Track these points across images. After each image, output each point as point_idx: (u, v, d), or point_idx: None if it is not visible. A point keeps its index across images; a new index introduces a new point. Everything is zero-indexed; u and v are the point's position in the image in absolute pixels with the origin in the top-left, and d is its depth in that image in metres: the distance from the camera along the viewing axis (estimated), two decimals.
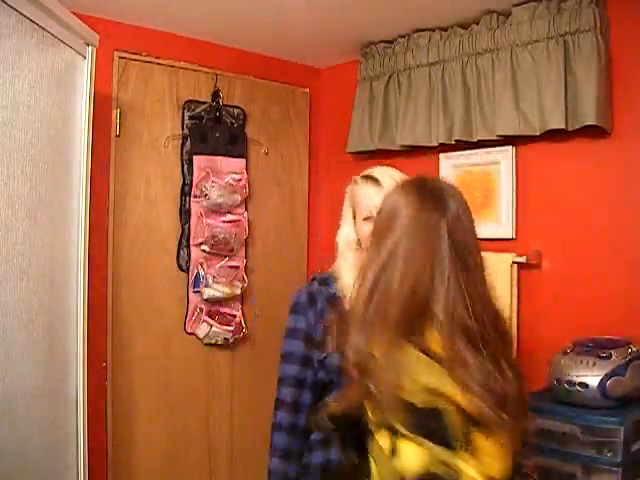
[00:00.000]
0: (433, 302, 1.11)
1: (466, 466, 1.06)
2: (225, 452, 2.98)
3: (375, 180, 1.60)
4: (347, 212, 1.67)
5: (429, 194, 1.18)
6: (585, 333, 2.15)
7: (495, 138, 2.52)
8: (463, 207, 1.20)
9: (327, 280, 1.66)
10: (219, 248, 2.91)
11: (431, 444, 1.06)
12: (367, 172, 1.66)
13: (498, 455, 1.10)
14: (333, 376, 1.54)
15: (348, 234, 1.64)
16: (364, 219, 1.58)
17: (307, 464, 1.63)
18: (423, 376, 1.08)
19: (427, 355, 1.09)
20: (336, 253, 1.69)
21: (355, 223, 1.63)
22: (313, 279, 1.72)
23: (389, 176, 1.60)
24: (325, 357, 1.55)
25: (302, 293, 1.67)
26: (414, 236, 1.14)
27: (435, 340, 1.10)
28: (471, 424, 1.06)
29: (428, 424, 1.06)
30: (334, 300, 1.59)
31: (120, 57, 2.72)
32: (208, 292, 2.85)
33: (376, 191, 1.56)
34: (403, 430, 1.07)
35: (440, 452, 1.06)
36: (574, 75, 2.29)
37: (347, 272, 1.60)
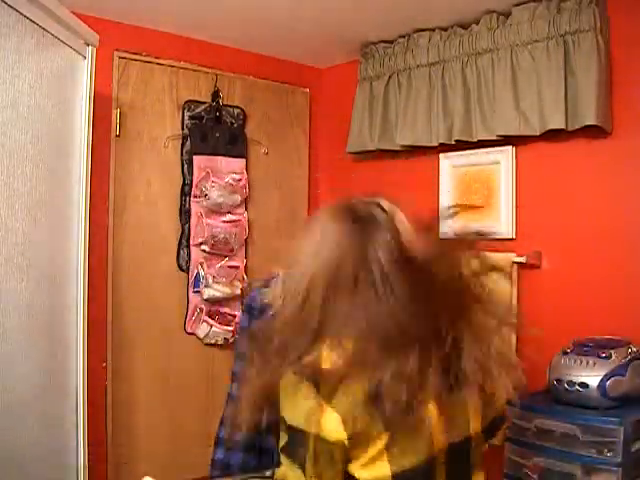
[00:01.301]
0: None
1: None
2: None
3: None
4: None
5: (358, 222, 1.15)
6: (585, 333, 2.15)
7: (495, 138, 2.52)
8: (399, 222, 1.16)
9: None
10: (219, 248, 2.91)
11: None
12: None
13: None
14: None
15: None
16: None
17: None
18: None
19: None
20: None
21: None
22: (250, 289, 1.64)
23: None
24: None
25: (244, 317, 1.66)
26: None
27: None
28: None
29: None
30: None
31: (120, 57, 2.72)
32: (208, 292, 2.85)
33: None
34: None
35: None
36: (574, 75, 2.29)
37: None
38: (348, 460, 1.06)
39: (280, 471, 1.10)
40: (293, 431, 1.06)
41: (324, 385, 1.04)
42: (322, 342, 1.10)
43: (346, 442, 1.04)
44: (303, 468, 1.05)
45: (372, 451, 1.05)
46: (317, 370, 1.06)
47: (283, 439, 1.09)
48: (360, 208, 1.18)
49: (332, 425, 1.03)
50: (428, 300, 1.10)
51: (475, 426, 1.17)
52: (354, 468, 1.07)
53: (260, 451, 1.57)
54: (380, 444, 1.04)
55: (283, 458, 1.09)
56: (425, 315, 1.09)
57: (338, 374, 1.04)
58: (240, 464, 1.58)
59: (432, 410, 1.07)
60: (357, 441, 1.04)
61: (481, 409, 1.18)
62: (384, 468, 1.05)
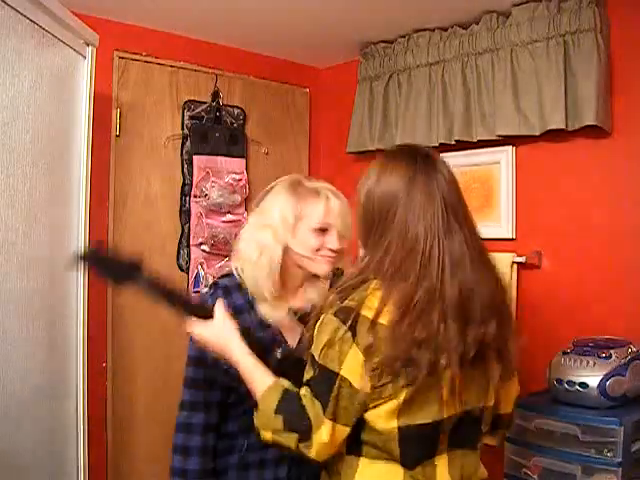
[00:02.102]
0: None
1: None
2: None
3: (335, 193, 1.53)
4: (286, 213, 1.50)
5: (419, 154, 1.21)
6: (585, 333, 2.15)
7: (495, 138, 2.52)
8: (451, 173, 1.24)
9: (231, 288, 1.54)
10: (219, 248, 2.91)
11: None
12: (314, 182, 1.56)
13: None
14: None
15: (274, 248, 1.50)
16: (317, 230, 1.49)
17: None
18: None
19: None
20: (239, 253, 1.57)
21: (294, 231, 1.50)
22: (216, 288, 1.57)
23: (337, 190, 1.56)
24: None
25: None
26: (414, 213, 1.16)
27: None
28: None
29: None
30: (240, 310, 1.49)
31: (120, 57, 2.72)
32: None
33: (339, 204, 1.51)
34: None
35: None
36: (574, 75, 2.29)
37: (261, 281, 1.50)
38: (366, 408, 1.13)
39: (301, 392, 1.17)
40: (322, 369, 1.14)
41: (360, 335, 1.11)
42: (371, 282, 1.16)
43: (369, 391, 1.11)
44: (323, 405, 1.13)
45: (390, 405, 1.12)
46: (357, 317, 1.12)
47: (309, 373, 1.18)
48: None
49: (360, 373, 1.11)
50: (480, 282, 1.16)
51: (490, 399, 1.24)
52: (368, 415, 1.14)
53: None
54: (397, 401, 1.11)
55: (306, 390, 1.16)
56: (476, 291, 1.15)
57: (376, 328, 1.10)
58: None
59: (450, 376, 1.12)
60: (379, 393, 1.11)
61: (497, 388, 1.25)
62: (393, 421, 1.13)
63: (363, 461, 1.18)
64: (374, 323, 1.10)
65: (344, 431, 1.14)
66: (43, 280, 1.89)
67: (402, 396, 1.11)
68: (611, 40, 2.28)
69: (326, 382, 1.13)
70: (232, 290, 1.54)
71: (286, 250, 1.51)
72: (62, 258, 2.06)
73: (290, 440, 1.15)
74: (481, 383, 1.20)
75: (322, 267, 1.51)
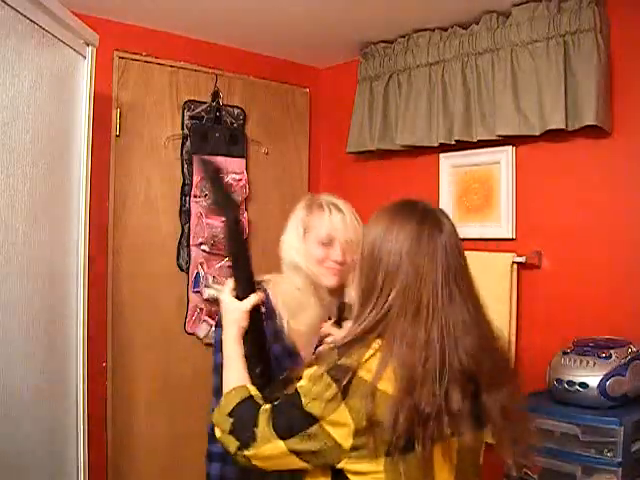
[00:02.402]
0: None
1: None
2: None
3: (338, 208, 1.59)
4: (296, 228, 1.61)
5: (427, 217, 1.17)
6: (585, 333, 2.15)
7: (495, 138, 2.52)
8: (454, 227, 1.20)
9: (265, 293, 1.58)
10: (219, 248, 2.91)
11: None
12: (323, 198, 1.63)
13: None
14: None
15: (299, 246, 1.59)
16: (321, 244, 1.56)
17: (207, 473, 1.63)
18: None
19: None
20: (283, 265, 1.63)
21: (304, 239, 1.59)
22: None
23: (347, 206, 1.62)
24: None
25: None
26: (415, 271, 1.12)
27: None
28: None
29: None
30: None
31: (120, 57, 2.72)
32: (208, 292, 2.85)
33: (341, 218, 1.57)
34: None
35: None
36: (574, 75, 2.29)
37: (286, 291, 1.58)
38: (338, 461, 1.09)
39: (264, 407, 1.16)
40: (300, 411, 1.09)
41: (353, 398, 1.06)
42: (371, 344, 1.11)
43: (347, 447, 1.07)
44: (280, 432, 1.10)
45: (370, 467, 1.07)
46: (352, 379, 1.07)
47: (282, 398, 1.15)
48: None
49: (342, 432, 1.06)
50: (482, 348, 1.13)
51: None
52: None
53: None
54: (377, 464, 1.07)
55: (270, 408, 1.14)
56: (476, 360, 1.11)
57: (376, 394, 1.05)
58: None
59: (439, 453, 1.08)
60: (356, 454, 1.07)
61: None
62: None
63: None
64: (374, 388, 1.05)
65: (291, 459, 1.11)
66: (43, 280, 1.89)
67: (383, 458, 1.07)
68: (611, 40, 2.28)
69: (300, 420, 1.09)
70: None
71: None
72: (62, 258, 2.07)
73: (231, 444, 1.16)
74: (478, 447, 1.18)
75: (328, 278, 1.57)
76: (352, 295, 1.41)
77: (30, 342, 1.81)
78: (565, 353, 2.04)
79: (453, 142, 2.65)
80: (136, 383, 2.75)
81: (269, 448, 1.11)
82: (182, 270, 2.88)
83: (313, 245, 1.57)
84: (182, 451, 2.86)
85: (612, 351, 1.96)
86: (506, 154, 2.58)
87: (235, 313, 1.33)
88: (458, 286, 1.13)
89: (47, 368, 1.92)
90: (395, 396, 1.04)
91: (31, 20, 1.75)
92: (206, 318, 2.87)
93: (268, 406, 1.16)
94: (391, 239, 1.15)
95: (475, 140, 2.59)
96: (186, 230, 2.88)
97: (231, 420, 1.18)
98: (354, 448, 1.06)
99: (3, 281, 1.66)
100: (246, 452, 1.14)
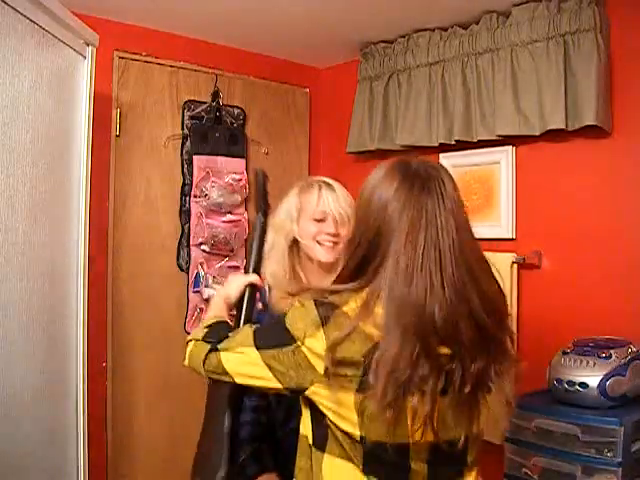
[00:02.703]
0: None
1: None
2: None
3: (328, 185, 1.67)
4: (289, 209, 1.68)
5: (416, 179, 1.17)
6: (585, 333, 2.15)
7: (495, 138, 2.52)
8: (450, 188, 1.19)
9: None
10: (219, 248, 2.91)
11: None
12: (315, 178, 1.72)
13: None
14: None
15: (289, 229, 1.66)
16: (315, 220, 1.63)
17: None
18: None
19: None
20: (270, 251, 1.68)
21: (298, 222, 1.66)
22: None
23: (337, 183, 1.69)
24: None
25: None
26: (406, 230, 1.11)
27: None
28: None
29: None
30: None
31: (120, 57, 2.72)
32: (208, 292, 2.85)
33: (333, 194, 1.65)
34: None
35: None
36: (574, 75, 2.29)
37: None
38: (307, 386, 1.10)
39: (236, 335, 1.20)
40: (283, 328, 1.12)
41: (331, 324, 1.08)
42: (358, 292, 1.12)
43: (320, 371, 1.08)
44: (258, 343, 1.14)
45: (342, 399, 1.08)
46: (334, 309, 1.10)
47: (256, 326, 1.20)
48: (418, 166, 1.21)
49: (317, 349, 1.08)
50: (473, 303, 1.11)
51: (475, 428, 1.17)
52: (329, 412, 1.10)
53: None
54: (348, 399, 1.07)
55: (246, 332, 1.18)
56: (467, 316, 1.09)
57: (350, 326, 1.07)
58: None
59: (417, 402, 1.06)
60: (329, 381, 1.08)
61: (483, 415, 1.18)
62: (354, 428, 1.08)
63: (327, 457, 1.14)
64: (355, 325, 1.06)
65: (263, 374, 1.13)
66: (43, 280, 1.89)
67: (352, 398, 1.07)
68: (611, 40, 2.28)
69: (280, 337, 1.12)
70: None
71: (296, 242, 1.66)
72: (62, 258, 2.07)
73: (203, 347, 1.21)
74: (465, 412, 1.13)
75: (323, 253, 1.63)
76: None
77: (30, 342, 1.81)
78: (565, 353, 2.04)
79: (453, 142, 2.65)
80: (136, 383, 2.75)
81: (245, 350, 1.14)
82: (182, 270, 2.88)
83: (307, 223, 1.64)
84: (182, 451, 2.85)
85: (612, 351, 1.96)
86: (506, 154, 2.58)
87: (234, 282, 1.43)
88: (449, 247, 1.11)
89: (47, 368, 1.92)
90: (379, 343, 1.05)
91: (31, 20, 1.75)
92: None
93: (251, 325, 1.22)
94: (379, 197, 1.16)
95: (475, 140, 2.59)
96: (186, 230, 2.88)
97: (205, 331, 1.24)
98: (328, 374, 1.07)
99: (3, 281, 1.66)
100: (219, 346, 1.18)
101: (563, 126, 2.28)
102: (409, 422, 1.07)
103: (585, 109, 2.24)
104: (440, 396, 1.07)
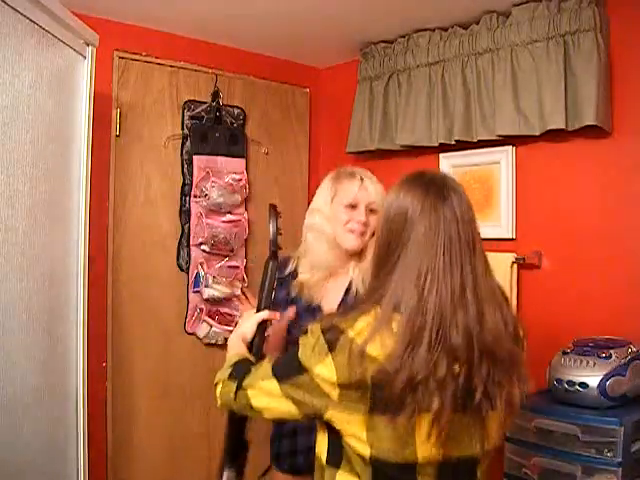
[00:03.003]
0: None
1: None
2: None
3: (361, 177, 1.79)
4: (325, 194, 1.81)
5: (432, 187, 1.19)
6: (585, 333, 2.15)
7: (495, 138, 2.52)
8: (465, 198, 1.21)
9: (284, 262, 1.82)
10: (219, 248, 2.91)
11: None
12: (350, 169, 1.83)
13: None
14: None
15: (324, 209, 1.80)
16: (347, 206, 1.74)
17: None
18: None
19: None
20: (305, 233, 1.84)
21: (332, 204, 1.78)
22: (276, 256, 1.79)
23: (371, 175, 1.82)
24: None
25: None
26: (425, 238, 1.14)
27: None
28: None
29: None
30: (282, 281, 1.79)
31: (120, 57, 2.72)
32: (208, 292, 2.85)
33: (364, 184, 1.76)
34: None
35: None
36: (574, 75, 2.29)
37: (316, 251, 1.78)
38: (323, 413, 1.14)
39: (256, 369, 1.26)
40: (294, 358, 1.17)
41: (338, 351, 1.10)
42: (370, 311, 1.14)
43: (334, 397, 1.11)
44: (279, 376, 1.19)
45: (354, 420, 1.11)
46: (339, 335, 1.12)
47: (275, 358, 1.25)
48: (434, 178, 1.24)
49: (328, 381, 1.11)
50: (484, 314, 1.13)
51: (487, 445, 1.19)
52: (347, 434, 1.13)
53: None
54: (360, 420, 1.10)
55: (266, 365, 1.24)
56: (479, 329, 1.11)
57: (357, 351, 1.09)
58: None
59: (426, 421, 1.08)
60: (342, 406, 1.11)
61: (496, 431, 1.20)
62: (364, 447, 1.11)
63: (339, 475, 1.17)
64: (362, 350, 1.08)
65: (286, 406, 1.18)
66: (43, 280, 1.89)
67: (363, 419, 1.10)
68: (611, 40, 2.28)
69: (293, 368, 1.16)
70: (283, 266, 1.81)
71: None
72: (62, 258, 2.07)
73: (229, 386, 1.27)
74: (476, 428, 1.15)
75: (350, 240, 1.73)
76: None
77: (30, 342, 1.81)
78: (565, 353, 2.04)
79: (453, 142, 2.65)
80: (136, 383, 2.75)
81: (266, 385, 1.20)
82: (182, 270, 2.88)
83: (339, 209, 1.75)
84: (182, 451, 2.86)
85: (612, 351, 1.96)
86: (506, 154, 2.58)
87: (248, 321, 1.49)
88: (461, 257, 1.13)
89: (47, 368, 1.92)
90: (390, 360, 1.06)
91: (31, 20, 1.75)
92: (206, 318, 2.87)
93: (270, 359, 1.26)
94: (397, 205, 1.19)
95: (475, 140, 2.59)
96: (186, 230, 2.88)
97: (230, 369, 1.31)
98: (340, 400, 1.11)
99: (3, 281, 1.66)
100: (243, 383, 1.24)
101: (563, 126, 2.28)
102: (417, 440, 1.09)
103: (585, 109, 2.24)
104: (452, 412, 1.08)
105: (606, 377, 1.91)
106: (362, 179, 1.77)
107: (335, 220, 1.75)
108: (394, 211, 1.19)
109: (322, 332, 1.13)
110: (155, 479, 2.79)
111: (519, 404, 1.17)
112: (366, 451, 1.11)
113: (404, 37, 2.85)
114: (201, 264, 2.88)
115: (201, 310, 2.89)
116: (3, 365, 1.65)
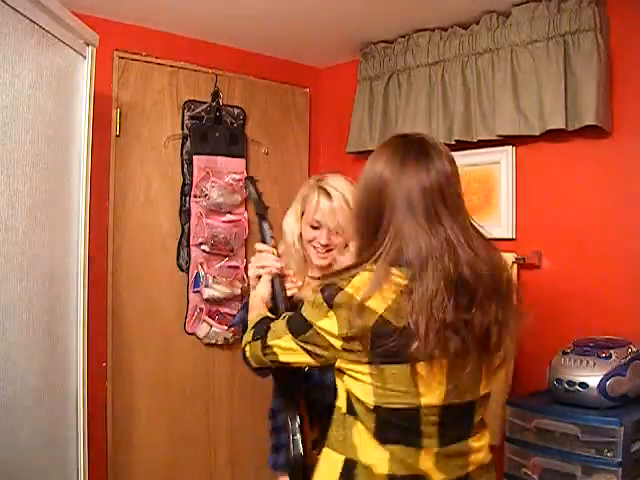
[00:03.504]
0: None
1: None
2: (225, 451, 2.98)
3: (327, 194, 1.71)
4: (296, 207, 1.81)
5: (407, 146, 1.24)
6: (585, 333, 2.15)
7: (495, 138, 2.52)
8: (445, 154, 1.25)
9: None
10: (219, 248, 2.91)
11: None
12: (321, 181, 1.75)
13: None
14: None
15: (294, 227, 1.79)
16: (311, 226, 1.73)
17: None
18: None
19: None
20: (282, 239, 1.83)
21: (301, 221, 1.77)
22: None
23: (341, 189, 1.71)
24: None
25: None
26: (404, 208, 1.19)
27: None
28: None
29: None
30: None
31: (120, 57, 2.72)
32: (208, 292, 2.85)
33: (328, 205, 1.69)
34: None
35: None
36: (574, 75, 2.29)
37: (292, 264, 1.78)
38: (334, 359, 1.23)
39: (275, 325, 1.35)
40: (301, 317, 1.26)
41: (337, 306, 1.18)
42: (365, 268, 1.19)
43: (339, 347, 1.20)
44: (291, 329, 1.29)
45: (359, 368, 1.19)
46: (337, 291, 1.18)
47: (288, 316, 1.34)
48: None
49: (331, 334, 1.20)
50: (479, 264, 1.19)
51: (484, 388, 1.25)
52: (348, 379, 1.22)
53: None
54: (364, 368, 1.17)
55: (282, 322, 1.33)
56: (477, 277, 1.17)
57: (356, 305, 1.15)
58: None
59: (425, 367, 1.14)
60: (347, 355, 1.19)
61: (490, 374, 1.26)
62: (369, 394, 1.18)
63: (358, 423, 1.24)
64: (361, 304, 1.14)
65: (301, 354, 1.27)
66: (43, 280, 1.89)
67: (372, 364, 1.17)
68: (611, 40, 2.28)
69: (301, 324, 1.26)
70: None
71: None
72: (62, 258, 2.07)
73: (256, 346, 1.36)
74: (474, 372, 1.20)
75: (315, 258, 1.74)
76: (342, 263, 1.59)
77: (30, 342, 1.81)
78: (565, 353, 2.04)
79: (453, 142, 2.65)
80: (136, 383, 2.75)
81: (285, 340, 1.29)
82: (182, 270, 2.88)
83: (306, 227, 1.75)
84: (182, 451, 2.86)
85: (612, 351, 1.96)
86: (506, 154, 2.58)
87: (262, 283, 1.61)
88: (447, 208, 1.19)
89: (47, 368, 1.92)
90: (393, 310, 1.13)
91: (31, 20, 1.75)
92: (206, 318, 2.87)
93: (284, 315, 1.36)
94: (375, 166, 1.25)
95: (475, 140, 2.59)
96: (186, 230, 2.88)
97: (252, 331, 1.41)
98: (344, 349, 1.19)
99: (3, 281, 1.66)
100: (267, 342, 1.33)
101: (563, 126, 2.28)
102: (421, 387, 1.15)
103: (585, 109, 2.24)
104: (460, 357, 1.15)
105: (606, 377, 1.91)
106: (326, 199, 1.69)
107: (304, 235, 1.76)
108: (370, 177, 1.24)
109: (321, 291, 1.21)
110: (155, 479, 2.79)
111: (513, 345, 1.24)
112: (370, 399, 1.18)
113: (404, 37, 2.85)
114: (201, 264, 2.88)
115: (201, 310, 2.89)
116: (3, 365, 1.65)
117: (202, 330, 2.87)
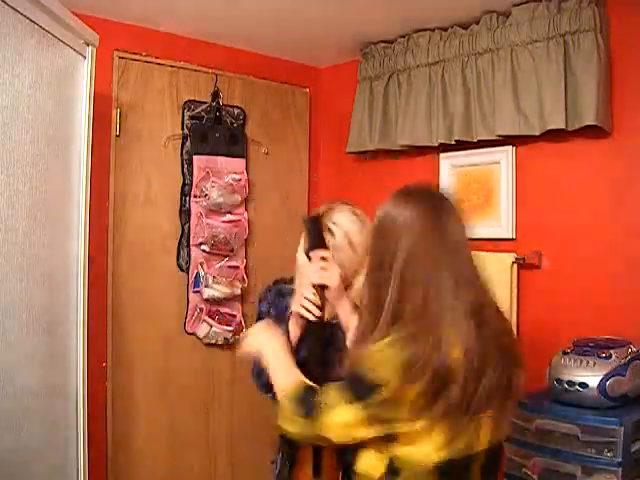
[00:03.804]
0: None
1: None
2: (225, 451, 2.98)
3: (329, 229, 1.60)
4: (302, 246, 1.66)
5: (424, 196, 1.25)
6: (585, 333, 2.15)
7: (495, 138, 2.52)
8: (456, 209, 1.26)
9: (285, 291, 1.71)
10: (219, 248, 2.91)
11: None
12: (325, 216, 1.62)
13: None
14: None
15: (305, 259, 1.63)
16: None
17: None
18: None
19: None
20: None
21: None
22: (269, 289, 1.77)
23: (344, 225, 1.60)
24: None
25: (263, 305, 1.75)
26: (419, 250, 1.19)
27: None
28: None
29: None
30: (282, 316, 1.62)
31: (120, 57, 2.72)
32: (208, 292, 2.85)
33: (330, 242, 1.58)
34: None
35: None
36: (574, 75, 2.29)
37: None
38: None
39: (330, 396, 1.19)
40: (365, 380, 1.15)
41: (406, 367, 1.13)
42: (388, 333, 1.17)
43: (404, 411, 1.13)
44: (352, 397, 1.15)
45: (419, 425, 1.14)
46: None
47: (339, 384, 1.20)
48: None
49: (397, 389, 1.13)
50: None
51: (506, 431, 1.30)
52: (401, 445, 1.17)
53: None
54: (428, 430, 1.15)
55: (337, 390, 1.19)
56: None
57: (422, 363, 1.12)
58: None
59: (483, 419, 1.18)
60: (412, 417, 1.13)
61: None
62: (431, 455, 1.15)
63: None
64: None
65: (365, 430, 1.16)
66: (43, 280, 1.89)
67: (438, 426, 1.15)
68: (611, 40, 2.28)
69: (363, 385, 1.15)
70: (285, 294, 1.70)
71: None
72: (62, 258, 2.07)
73: (296, 421, 1.21)
74: (500, 417, 1.24)
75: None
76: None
77: (30, 342, 1.81)
78: (565, 353, 2.04)
79: (453, 142, 2.65)
80: (136, 383, 2.75)
81: (339, 413, 1.16)
82: (182, 270, 2.88)
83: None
84: (182, 451, 2.86)
85: (612, 351, 1.96)
86: (506, 154, 2.58)
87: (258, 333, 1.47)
88: (460, 264, 1.21)
89: (47, 368, 1.92)
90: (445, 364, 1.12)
91: (31, 20, 1.75)
92: (206, 318, 2.87)
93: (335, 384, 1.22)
94: (398, 213, 1.22)
95: (475, 140, 2.59)
96: (186, 230, 2.88)
97: (293, 404, 1.22)
98: (409, 412, 1.13)
99: (3, 281, 1.66)
100: (314, 415, 1.18)
101: (563, 126, 2.28)
102: (480, 433, 1.18)
103: (585, 109, 2.24)
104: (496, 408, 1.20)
105: (606, 377, 1.91)
106: (333, 234, 1.58)
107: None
108: (387, 221, 1.23)
109: (395, 350, 1.14)
110: (155, 479, 2.79)
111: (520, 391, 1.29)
112: (432, 456, 1.16)
113: (404, 37, 2.85)
114: (201, 264, 2.88)
115: (201, 310, 2.89)
116: (3, 365, 1.65)
117: (202, 330, 2.87)
